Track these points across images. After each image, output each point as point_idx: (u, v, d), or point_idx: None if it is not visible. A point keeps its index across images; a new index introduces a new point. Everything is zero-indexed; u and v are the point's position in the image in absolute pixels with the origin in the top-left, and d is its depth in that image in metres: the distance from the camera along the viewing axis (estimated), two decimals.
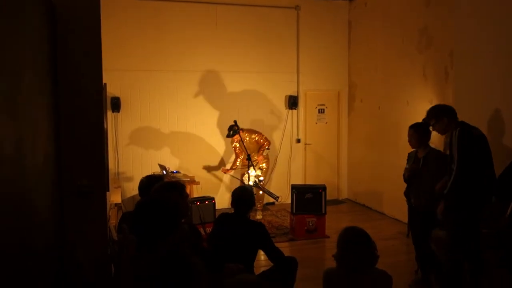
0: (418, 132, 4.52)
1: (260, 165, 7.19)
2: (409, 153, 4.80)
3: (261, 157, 7.19)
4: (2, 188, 1.68)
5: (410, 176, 4.56)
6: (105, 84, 3.15)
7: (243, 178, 6.98)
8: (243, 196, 3.65)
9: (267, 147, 7.22)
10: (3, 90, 1.70)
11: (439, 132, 4.24)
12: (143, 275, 2.06)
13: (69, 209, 2.65)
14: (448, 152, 4.19)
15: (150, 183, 3.42)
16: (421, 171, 4.46)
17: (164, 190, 2.89)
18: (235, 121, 6.96)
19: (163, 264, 1.91)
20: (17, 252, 1.93)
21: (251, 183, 6.62)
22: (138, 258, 2.14)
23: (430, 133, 4.58)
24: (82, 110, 2.56)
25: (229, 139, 7.35)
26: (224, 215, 3.80)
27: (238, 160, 7.34)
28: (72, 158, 2.61)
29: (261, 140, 7.22)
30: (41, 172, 2.21)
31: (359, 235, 2.68)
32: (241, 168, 7.30)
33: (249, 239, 3.48)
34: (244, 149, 6.72)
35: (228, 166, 7.66)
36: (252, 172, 6.64)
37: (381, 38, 7.65)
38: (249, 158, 6.52)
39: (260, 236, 3.55)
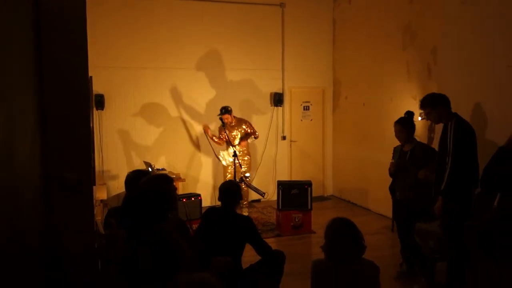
0: (406, 127, 4.56)
1: (243, 158, 7.03)
2: (394, 147, 4.85)
3: (245, 142, 7.10)
4: None
5: (396, 170, 4.61)
6: (91, 77, 3.11)
7: (220, 156, 6.98)
8: (230, 189, 3.65)
9: (254, 137, 7.16)
10: None
11: (433, 121, 4.26)
12: (133, 266, 2.05)
13: (55, 203, 2.61)
14: (435, 145, 4.25)
15: (136, 178, 3.39)
16: (407, 164, 4.51)
17: (153, 181, 2.87)
18: (221, 118, 6.95)
19: (151, 250, 1.91)
20: (4, 247, 1.90)
21: (227, 161, 6.80)
22: (127, 250, 2.13)
23: (414, 126, 4.64)
24: (68, 102, 2.53)
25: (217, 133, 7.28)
26: (212, 209, 3.79)
27: (221, 136, 7.17)
28: (57, 151, 2.57)
29: (249, 130, 7.16)
30: (27, 166, 2.17)
31: (346, 225, 2.71)
32: (221, 144, 7.22)
33: (237, 233, 3.48)
34: (227, 133, 6.86)
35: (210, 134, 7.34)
36: (230, 150, 6.71)
37: (365, 35, 7.71)
38: (231, 144, 6.74)
39: (248, 230, 3.56)
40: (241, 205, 7.12)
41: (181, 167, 7.92)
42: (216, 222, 3.57)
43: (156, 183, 2.91)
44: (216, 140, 7.16)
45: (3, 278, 1.90)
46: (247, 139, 7.14)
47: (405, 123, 4.58)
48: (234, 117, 7.11)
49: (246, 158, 7.10)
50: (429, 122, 6.14)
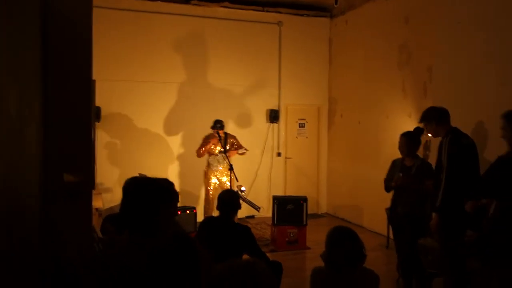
0: (410, 141, 4.55)
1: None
2: (394, 161, 4.83)
3: (234, 152, 7.03)
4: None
5: (401, 185, 4.54)
6: (94, 80, 3.12)
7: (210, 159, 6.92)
8: (229, 199, 3.64)
9: (244, 149, 7.09)
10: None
11: (430, 134, 4.30)
12: (137, 266, 2.01)
13: (54, 206, 2.59)
14: (430, 162, 4.27)
15: (134, 185, 3.37)
16: (414, 180, 4.46)
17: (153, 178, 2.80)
18: (217, 133, 6.96)
19: (167, 248, 1.86)
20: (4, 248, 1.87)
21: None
22: (130, 248, 2.10)
23: (420, 143, 4.65)
24: (70, 105, 2.53)
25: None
26: (210, 218, 3.78)
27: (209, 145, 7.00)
28: (58, 151, 2.56)
29: (236, 144, 7.10)
30: (29, 167, 2.15)
31: (347, 233, 2.70)
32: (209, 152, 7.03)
33: (235, 242, 3.46)
34: (223, 145, 6.79)
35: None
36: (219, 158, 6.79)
37: (361, 54, 7.83)
38: (225, 152, 6.74)
39: (247, 240, 3.54)
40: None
41: (176, 181, 7.87)
42: (215, 231, 3.55)
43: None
44: (202, 150, 6.96)
45: (3, 282, 1.86)
46: (236, 150, 7.06)
47: (410, 137, 4.58)
48: (225, 132, 7.07)
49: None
50: (424, 139, 6.20)
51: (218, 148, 6.85)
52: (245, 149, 7.14)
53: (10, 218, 1.93)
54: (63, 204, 2.47)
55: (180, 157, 8.01)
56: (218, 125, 6.86)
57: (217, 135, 6.81)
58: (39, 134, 2.28)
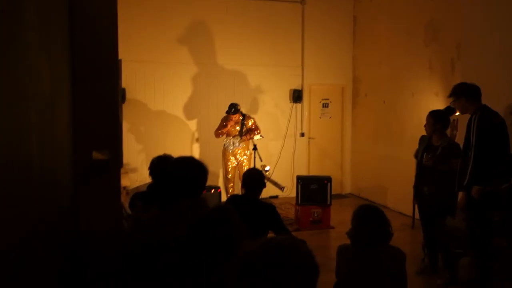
0: (435, 120, 4.48)
1: (244, 151, 7.05)
2: (422, 136, 4.79)
3: (247, 137, 7.01)
4: (29, 159, 1.68)
5: (427, 165, 4.48)
6: (120, 59, 3.14)
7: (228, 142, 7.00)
8: (254, 177, 3.66)
9: (260, 135, 7.07)
10: (31, 64, 1.70)
11: (459, 110, 4.22)
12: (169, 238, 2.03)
13: (83, 181, 2.64)
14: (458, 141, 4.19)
15: (161, 163, 3.42)
16: (439, 159, 4.40)
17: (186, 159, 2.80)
18: (243, 115, 6.98)
19: (206, 220, 1.88)
20: (36, 222, 1.93)
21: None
22: (159, 221, 2.13)
23: (447, 122, 4.56)
24: (98, 83, 2.56)
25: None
26: (235, 196, 3.81)
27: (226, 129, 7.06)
28: (86, 131, 2.60)
29: (253, 126, 7.08)
30: (61, 143, 2.20)
31: (374, 211, 2.69)
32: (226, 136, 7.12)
33: (261, 220, 3.48)
34: (240, 129, 6.83)
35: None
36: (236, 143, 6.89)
37: (386, 32, 7.66)
38: (240, 135, 6.80)
39: (272, 217, 3.56)
40: None
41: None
42: (240, 209, 3.56)
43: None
44: (220, 132, 7.01)
45: (35, 258, 1.92)
46: (249, 135, 7.02)
47: (437, 116, 4.50)
48: (241, 113, 7.04)
49: (247, 152, 7.09)
50: (451, 118, 6.08)
51: (238, 128, 6.91)
52: (260, 135, 7.11)
53: (43, 190, 1.98)
54: (92, 180, 2.53)
55: (202, 138, 8.06)
56: (232, 109, 6.85)
57: (233, 118, 6.86)
58: (70, 110, 2.33)
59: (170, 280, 1.93)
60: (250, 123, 7.08)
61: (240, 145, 7.00)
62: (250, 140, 7.09)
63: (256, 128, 7.09)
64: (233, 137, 6.98)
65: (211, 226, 1.88)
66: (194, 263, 1.88)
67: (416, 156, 4.70)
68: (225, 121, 7.02)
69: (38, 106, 1.83)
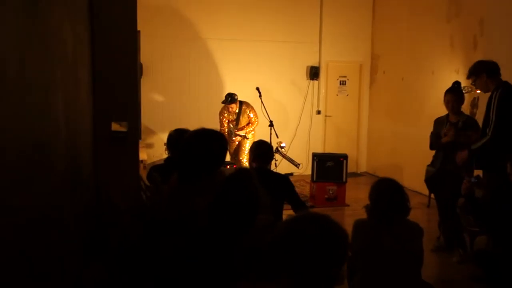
0: (458, 96, 4.44)
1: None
2: (436, 119, 4.71)
3: (239, 131, 6.68)
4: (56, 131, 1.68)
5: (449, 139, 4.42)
6: (139, 31, 3.14)
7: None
8: (263, 148, 3.64)
9: (250, 133, 6.67)
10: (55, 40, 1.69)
11: (481, 90, 4.14)
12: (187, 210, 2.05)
13: (102, 154, 2.67)
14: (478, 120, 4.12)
15: (179, 136, 3.42)
16: (461, 134, 4.33)
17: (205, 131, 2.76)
18: (257, 88, 6.93)
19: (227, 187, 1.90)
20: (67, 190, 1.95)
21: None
22: (181, 193, 2.13)
23: (464, 97, 4.52)
24: (117, 52, 2.56)
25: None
26: (245, 170, 3.79)
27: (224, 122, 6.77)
28: (105, 101, 2.62)
29: (253, 119, 6.73)
30: (83, 106, 2.22)
31: (392, 185, 2.67)
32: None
33: (275, 191, 3.46)
34: (236, 119, 6.53)
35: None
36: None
37: (407, 7, 7.49)
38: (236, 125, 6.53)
39: (286, 187, 3.57)
40: None
41: None
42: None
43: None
44: (222, 129, 6.64)
45: (59, 225, 1.96)
46: (244, 130, 6.64)
47: (458, 92, 4.44)
48: (239, 101, 6.65)
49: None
50: (472, 96, 5.97)
51: (232, 118, 6.63)
52: (245, 135, 6.61)
53: (69, 149, 1.99)
54: (111, 150, 2.56)
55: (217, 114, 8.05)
56: (229, 98, 6.50)
57: (227, 109, 6.57)
58: (90, 76, 2.34)
59: (194, 250, 1.95)
60: (248, 111, 6.64)
61: (235, 138, 6.61)
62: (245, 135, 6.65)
63: (251, 122, 6.67)
64: (231, 126, 6.62)
65: (239, 183, 1.92)
66: (221, 229, 1.90)
67: (432, 136, 4.62)
68: (221, 115, 6.71)
69: (63, 67, 1.83)
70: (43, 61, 1.62)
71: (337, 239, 1.35)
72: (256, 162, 3.66)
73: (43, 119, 1.64)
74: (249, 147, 4.00)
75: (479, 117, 4.95)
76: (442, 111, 4.84)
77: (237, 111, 6.64)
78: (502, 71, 4.22)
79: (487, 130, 3.83)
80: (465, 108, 5.96)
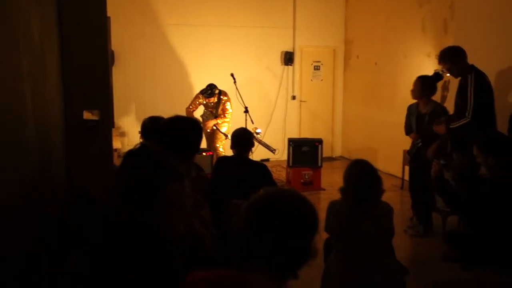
0: (424, 84, 4.48)
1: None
2: (409, 106, 4.79)
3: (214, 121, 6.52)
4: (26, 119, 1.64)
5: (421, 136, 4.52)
6: (109, 17, 3.07)
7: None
8: (243, 136, 3.64)
9: (225, 126, 6.54)
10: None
11: (454, 76, 4.22)
12: None
13: (74, 143, 2.63)
14: (449, 102, 4.20)
15: (153, 124, 3.38)
16: (429, 128, 4.42)
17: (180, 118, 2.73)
18: (231, 74, 6.89)
19: None
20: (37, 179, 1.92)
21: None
22: None
23: (434, 89, 4.56)
24: (86, 39, 2.51)
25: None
26: (224, 158, 3.80)
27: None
28: (77, 90, 2.57)
29: (228, 112, 6.56)
30: (52, 97, 2.17)
31: (366, 167, 2.72)
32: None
33: (252, 178, 3.48)
34: (215, 111, 6.44)
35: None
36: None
37: None
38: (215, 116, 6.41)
39: (263, 175, 3.58)
40: None
41: None
42: (231, 169, 3.59)
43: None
44: (191, 108, 6.55)
45: (35, 211, 1.93)
46: (218, 120, 6.49)
47: (424, 81, 4.49)
48: (217, 94, 6.47)
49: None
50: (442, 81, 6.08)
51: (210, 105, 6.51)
52: (227, 135, 6.34)
53: (38, 143, 1.95)
54: (84, 139, 2.52)
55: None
56: (209, 91, 6.35)
57: (205, 99, 6.46)
58: (59, 66, 2.29)
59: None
60: (224, 102, 6.50)
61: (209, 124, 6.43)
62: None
63: (225, 114, 6.50)
64: (210, 112, 6.50)
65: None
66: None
67: (407, 130, 4.73)
68: (196, 98, 6.59)
69: (30, 57, 1.79)
70: (8, 50, 1.58)
71: (305, 210, 1.36)
72: (236, 149, 3.67)
73: (11, 108, 1.61)
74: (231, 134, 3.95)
75: (450, 99, 5.05)
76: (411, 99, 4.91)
77: (215, 100, 6.51)
78: (471, 55, 4.32)
79: (466, 113, 3.91)
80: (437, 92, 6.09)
